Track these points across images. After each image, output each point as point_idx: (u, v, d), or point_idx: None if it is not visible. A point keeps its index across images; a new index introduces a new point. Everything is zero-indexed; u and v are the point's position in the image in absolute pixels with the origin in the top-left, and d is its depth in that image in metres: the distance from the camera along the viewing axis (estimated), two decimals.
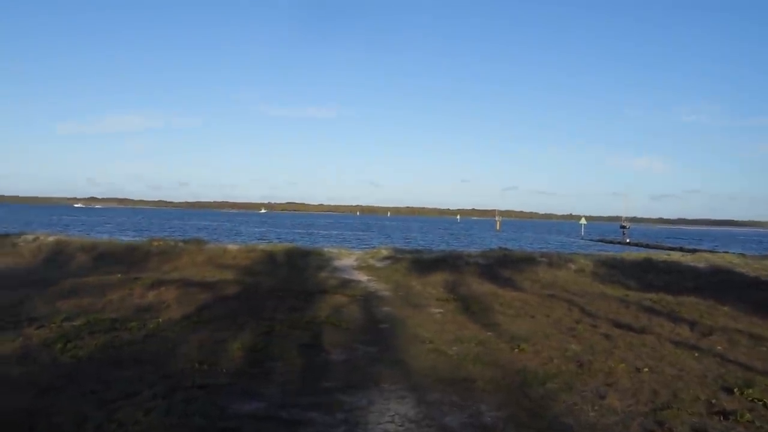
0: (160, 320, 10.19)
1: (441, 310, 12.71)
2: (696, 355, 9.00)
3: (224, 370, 7.23)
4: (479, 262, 21.40)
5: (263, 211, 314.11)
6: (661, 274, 20.70)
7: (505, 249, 28.03)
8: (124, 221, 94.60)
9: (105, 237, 29.92)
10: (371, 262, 21.29)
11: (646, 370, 7.98)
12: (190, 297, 12.72)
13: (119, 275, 14.72)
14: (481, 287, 16.37)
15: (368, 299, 13.74)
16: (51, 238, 21.18)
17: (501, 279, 18.41)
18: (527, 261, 22.15)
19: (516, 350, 8.96)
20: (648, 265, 22.53)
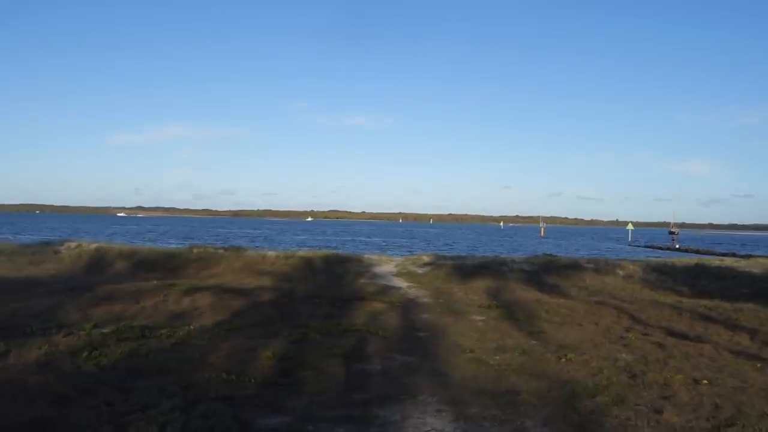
0: (191, 327, 9.90)
1: (483, 318, 12.15)
2: (759, 366, 8.25)
3: (251, 380, 6.84)
4: (523, 268, 20.69)
5: (309, 219, 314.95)
6: (715, 280, 19.65)
7: (550, 255, 27.20)
8: (168, 230, 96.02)
9: (147, 245, 30.13)
10: (411, 268, 20.80)
11: (705, 382, 7.29)
12: (225, 304, 12.44)
13: (154, 281, 14.56)
14: (525, 294, 15.72)
15: (407, 306, 13.26)
16: (92, 246, 21.32)
17: (546, 285, 17.69)
18: (573, 267, 21.34)
19: (563, 360, 8.35)
20: (700, 270, 21.46)
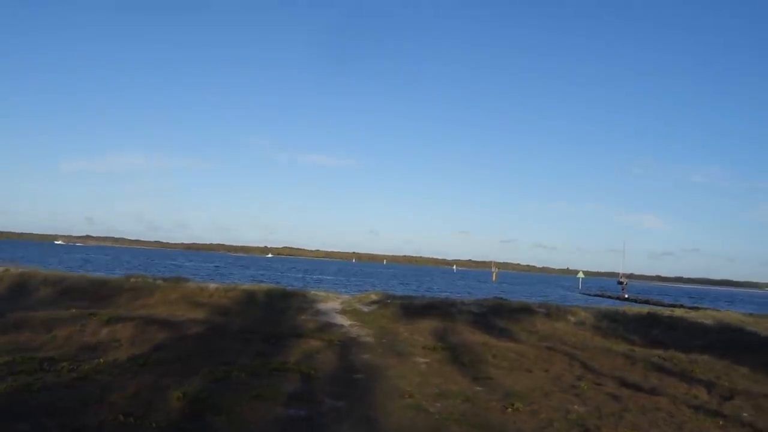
0: (101, 361, 8.86)
1: (426, 360, 11.36)
2: (721, 423, 7.66)
3: (153, 425, 5.91)
4: (472, 311, 20.03)
5: (269, 255, 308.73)
6: (667, 330, 19.32)
7: (501, 298, 26.69)
8: (111, 260, 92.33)
9: (82, 273, 28.50)
10: (357, 306, 19.93)
11: None
12: (147, 336, 11.38)
13: (73, 310, 13.38)
14: (473, 336, 15.01)
15: (347, 345, 12.39)
16: (16, 271, 19.85)
17: (495, 329, 17.04)
18: (524, 311, 20.80)
19: (509, 410, 7.62)
20: (652, 319, 21.15)
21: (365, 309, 19.43)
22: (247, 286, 22.81)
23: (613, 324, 20.07)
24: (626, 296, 73.22)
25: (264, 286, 23.06)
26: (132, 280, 21.63)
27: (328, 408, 7.22)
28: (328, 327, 15.14)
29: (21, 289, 18.15)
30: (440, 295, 34.99)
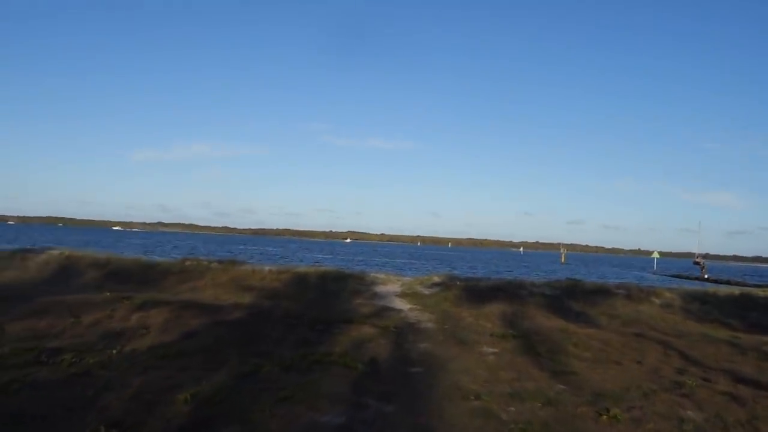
0: (114, 352, 7.69)
1: (496, 350, 9.76)
2: None
3: None
4: (544, 293, 18.22)
5: (347, 240, 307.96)
6: (766, 313, 17.09)
7: (574, 279, 24.68)
8: (179, 244, 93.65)
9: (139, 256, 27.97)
10: (418, 288, 18.42)
11: None
12: (181, 322, 10.21)
13: (108, 293, 12.39)
14: (547, 322, 13.32)
15: (403, 332, 10.91)
16: (63, 254, 19.26)
17: (571, 312, 15.25)
18: (602, 293, 18.84)
19: (604, 417, 5.99)
20: (748, 301, 18.84)
21: (426, 292, 17.91)
22: (303, 268, 21.63)
23: (705, 306, 17.91)
24: (706, 276, 69.06)
25: (320, 268, 21.82)
26: (186, 263, 20.78)
27: (373, 413, 5.77)
28: (384, 311, 13.73)
29: (66, 272, 17.47)
30: (507, 277, 33.11)
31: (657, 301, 18.17)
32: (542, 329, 12.04)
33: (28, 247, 23.22)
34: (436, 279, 20.77)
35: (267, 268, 20.52)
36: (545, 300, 17.12)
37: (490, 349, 9.80)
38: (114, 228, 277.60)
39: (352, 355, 8.43)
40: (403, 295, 17.23)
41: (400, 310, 14.18)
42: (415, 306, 15.11)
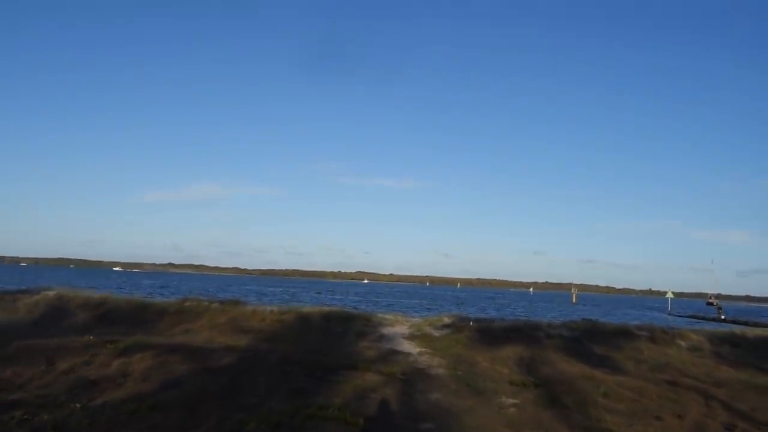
0: (78, 406, 6.66)
1: (516, 401, 8.66)
2: None
3: None
4: (562, 335, 17.06)
5: (365, 281, 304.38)
6: None
7: (591, 320, 23.46)
8: (181, 285, 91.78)
9: (137, 296, 26.96)
10: (427, 330, 17.31)
11: None
12: (165, 369, 9.19)
13: (90, 337, 11.39)
14: (569, 367, 12.17)
15: (412, 380, 9.82)
16: (52, 294, 18.32)
17: (594, 357, 14.08)
18: (623, 335, 17.65)
19: None
20: None
21: (437, 333, 16.80)
22: (307, 308, 20.57)
23: (736, 350, 16.72)
24: (723, 318, 67.06)
25: (324, 308, 20.75)
26: (186, 303, 19.80)
27: None
28: (391, 355, 12.63)
29: (56, 313, 16.49)
30: (520, 317, 31.85)
31: (683, 344, 16.99)
32: (565, 376, 10.90)
33: (24, 287, 22.28)
34: (446, 320, 19.65)
35: (269, 308, 19.50)
36: (564, 342, 15.98)
37: (510, 400, 8.69)
38: (114, 269, 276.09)
39: (353, 408, 7.38)
40: (411, 337, 16.12)
41: (408, 354, 13.08)
42: (424, 349, 14.01)
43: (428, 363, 12.01)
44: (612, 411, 8.18)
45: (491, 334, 16.42)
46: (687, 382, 10.95)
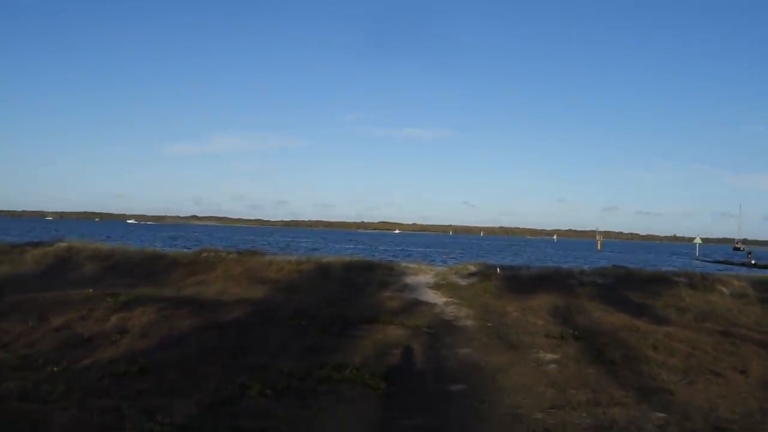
0: (56, 369, 5.86)
1: (556, 356, 7.74)
2: None
3: None
4: (596, 282, 16.03)
5: (397, 231, 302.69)
6: None
7: (623, 266, 22.39)
8: (202, 236, 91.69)
9: (155, 247, 26.35)
10: (453, 279, 16.43)
11: None
12: (167, 324, 8.41)
13: (90, 290, 10.66)
14: (608, 317, 11.20)
15: (439, 333, 8.95)
16: (62, 245, 17.71)
17: (632, 305, 13.07)
18: (660, 281, 16.56)
19: None
20: None
21: (463, 282, 15.90)
22: (327, 258, 19.77)
23: None
24: (753, 262, 65.43)
25: (345, 258, 19.95)
26: (203, 254, 19.11)
27: None
28: (415, 306, 11.77)
29: (64, 265, 15.88)
30: (548, 265, 30.82)
31: (725, 290, 15.85)
32: (605, 327, 9.94)
33: (37, 240, 21.77)
34: (472, 268, 18.75)
35: (287, 258, 18.74)
36: (598, 290, 14.97)
37: (549, 355, 7.77)
38: (128, 221, 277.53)
39: (373, 367, 6.51)
40: (436, 286, 15.25)
41: (433, 305, 12.21)
42: (450, 299, 13.14)
43: (455, 314, 11.13)
44: (665, 367, 7.22)
45: (520, 283, 15.49)
46: (741, 333, 9.94)
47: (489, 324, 10.23)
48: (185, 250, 25.80)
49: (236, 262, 17.18)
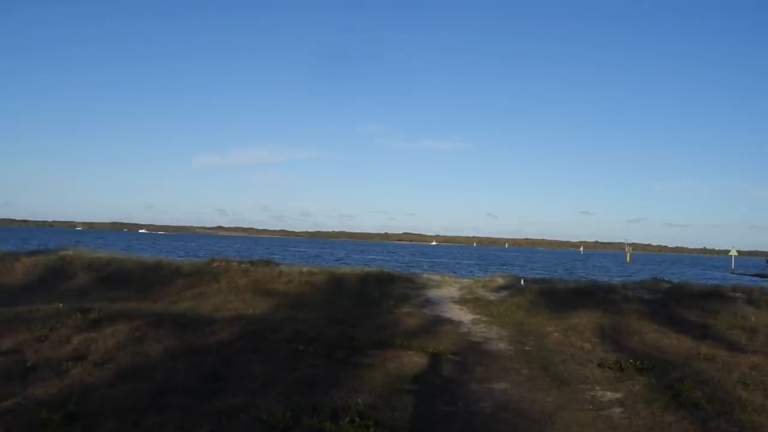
0: None
1: (618, 395, 6.06)
2: None
3: None
4: (643, 297, 14.24)
5: (433, 243, 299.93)
6: None
7: (664, 279, 20.45)
8: (224, 247, 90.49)
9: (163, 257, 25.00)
10: (480, 292, 14.78)
11: None
12: (137, 348, 6.92)
13: (60, 305, 9.22)
14: (666, 340, 9.49)
15: (467, 361, 7.33)
16: (56, 255, 16.42)
17: (690, 325, 11.29)
18: (716, 297, 14.68)
19: None
20: None
21: (492, 297, 14.24)
22: (342, 269, 18.20)
23: None
24: None
25: (362, 269, 18.36)
26: (214, 263, 17.72)
27: None
28: (438, 325, 10.17)
29: (55, 275, 14.60)
30: (581, 277, 28.81)
31: None
32: (669, 354, 8.23)
33: (36, 248, 20.60)
34: (500, 280, 17.07)
35: (298, 269, 17.23)
36: (647, 307, 13.20)
37: (609, 394, 6.09)
38: (140, 231, 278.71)
39: (381, 411, 4.93)
40: (462, 301, 13.63)
41: (459, 323, 10.60)
42: (478, 316, 11.52)
43: (485, 335, 9.49)
44: (764, 412, 5.52)
45: (556, 298, 13.78)
46: None
47: (527, 348, 8.60)
48: (196, 259, 24.37)
49: (243, 272, 15.74)
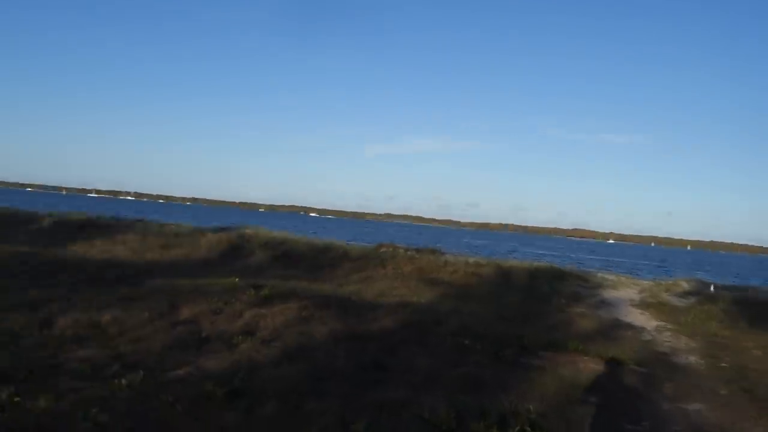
0: (133, 378, 4.47)
1: None
2: None
3: None
4: None
5: (610, 241, 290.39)
6: None
7: None
8: (393, 233, 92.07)
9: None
10: (664, 297, 13.49)
11: None
12: (303, 328, 6.93)
13: (236, 279, 9.54)
14: None
15: (654, 374, 6.52)
16: (234, 234, 17.31)
17: None
18: None
19: None
20: None
21: (677, 303, 12.92)
22: (510, 262, 17.51)
23: None
24: None
25: (531, 263, 17.55)
26: (382, 249, 17.92)
27: None
28: (616, 330, 9.31)
29: (235, 251, 15.37)
30: None
31: None
32: None
33: (221, 225, 21.99)
34: (685, 285, 15.51)
35: (465, 259, 16.84)
36: None
37: None
38: (310, 214, 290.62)
39: (554, 421, 4.40)
40: (643, 305, 12.50)
41: (641, 329, 9.64)
42: (663, 323, 10.43)
43: (672, 345, 8.51)
44: None
45: (756, 309, 12.18)
46: None
47: (722, 364, 7.54)
48: (364, 244, 24.82)
49: (409, 259, 15.64)
